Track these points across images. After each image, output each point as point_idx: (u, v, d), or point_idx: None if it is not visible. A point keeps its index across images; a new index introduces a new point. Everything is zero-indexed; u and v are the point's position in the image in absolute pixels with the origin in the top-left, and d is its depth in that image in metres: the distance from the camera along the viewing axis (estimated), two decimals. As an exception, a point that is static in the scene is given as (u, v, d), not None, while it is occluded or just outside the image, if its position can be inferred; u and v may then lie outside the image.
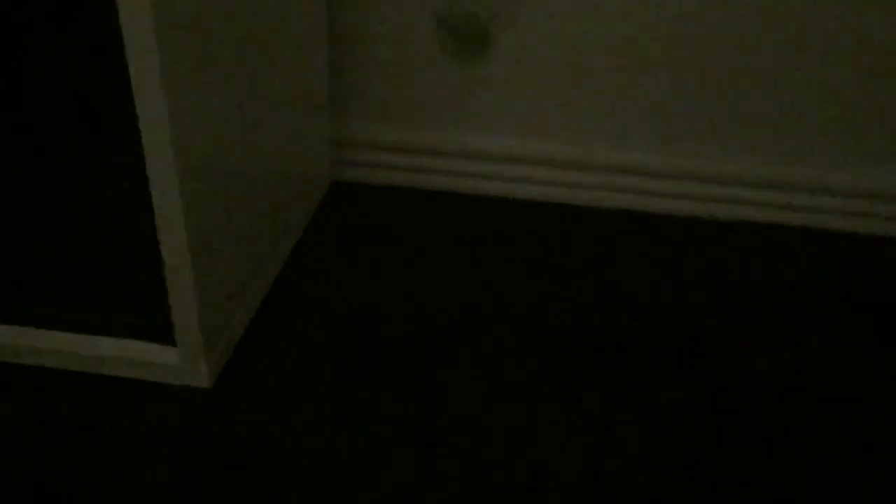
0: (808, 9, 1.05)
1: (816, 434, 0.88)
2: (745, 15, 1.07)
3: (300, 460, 0.84)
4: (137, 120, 0.74)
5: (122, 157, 0.78)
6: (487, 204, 1.21)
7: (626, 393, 0.92)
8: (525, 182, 1.21)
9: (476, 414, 0.89)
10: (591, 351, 0.97)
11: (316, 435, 0.87)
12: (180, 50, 0.75)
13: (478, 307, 1.03)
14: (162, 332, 0.89)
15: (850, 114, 1.11)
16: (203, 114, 0.81)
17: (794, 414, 0.90)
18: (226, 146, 0.87)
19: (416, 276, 1.08)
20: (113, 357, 0.91)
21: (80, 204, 0.84)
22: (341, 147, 1.24)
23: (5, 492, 0.79)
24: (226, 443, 0.86)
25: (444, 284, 1.07)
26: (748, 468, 0.84)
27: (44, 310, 0.90)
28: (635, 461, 0.84)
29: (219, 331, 0.92)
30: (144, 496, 0.80)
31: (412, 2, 1.12)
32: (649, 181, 1.19)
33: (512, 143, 1.20)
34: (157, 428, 0.87)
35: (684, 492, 0.82)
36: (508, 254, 1.12)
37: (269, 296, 1.04)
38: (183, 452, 0.85)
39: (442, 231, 1.16)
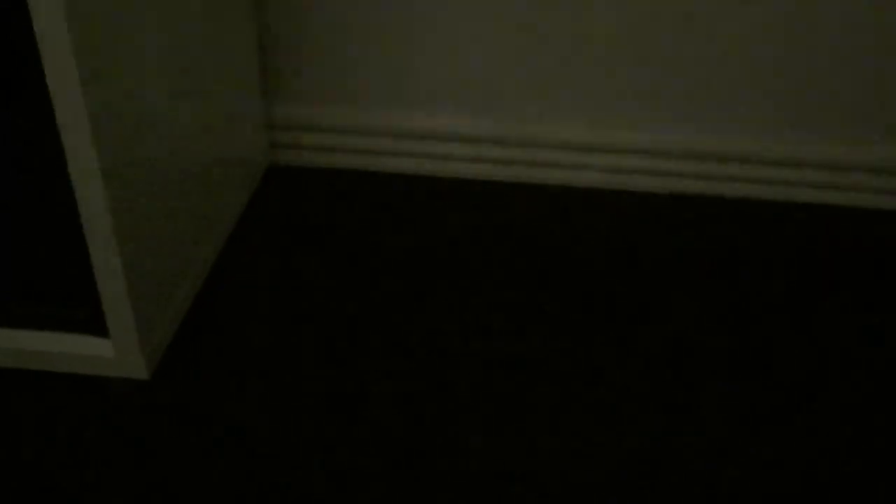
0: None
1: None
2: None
3: (241, 448, 0.84)
4: (53, 108, 0.72)
5: (41, 146, 0.76)
6: (429, 183, 1.20)
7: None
8: (467, 161, 1.21)
9: (414, 391, 0.90)
10: (543, 322, 0.98)
11: (256, 422, 0.86)
12: (94, 33, 0.73)
13: (422, 289, 1.03)
14: (95, 324, 0.87)
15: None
16: (123, 100, 0.80)
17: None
18: (149, 132, 0.86)
19: (355, 259, 1.07)
20: (46, 352, 0.89)
21: (2, 196, 0.82)
22: (276, 130, 1.22)
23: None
24: (167, 433, 0.85)
25: (386, 267, 1.06)
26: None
27: (-29, 306, 0.89)
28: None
29: (154, 321, 0.91)
30: (84, 492, 0.79)
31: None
32: (584, 156, 1.20)
33: (451, 121, 1.20)
34: (95, 422, 0.86)
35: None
36: (451, 233, 1.12)
37: (207, 283, 1.02)
38: (123, 445, 0.84)
39: (382, 213, 1.15)
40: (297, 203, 1.17)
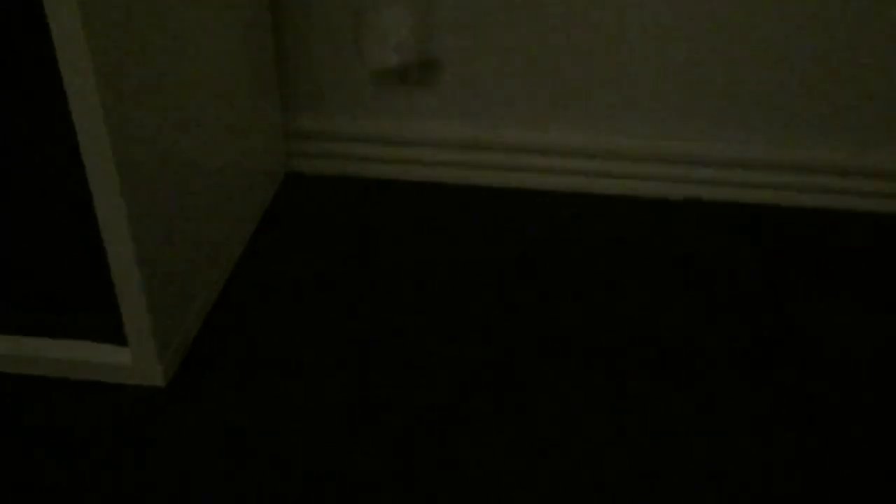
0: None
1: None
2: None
3: (256, 458, 0.84)
4: (72, 119, 0.73)
5: (60, 156, 0.77)
6: (442, 191, 1.20)
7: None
8: (480, 168, 1.21)
9: (446, 402, 0.90)
10: (548, 335, 0.98)
11: (271, 432, 0.87)
12: (114, 46, 0.74)
13: (440, 296, 1.03)
14: (113, 333, 0.88)
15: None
16: (142, 110, 0.80)
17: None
18: (168, 141, 0.87)
19: (373, 266, 1.08)
20: (64, 359, 0.90)
21: (24, 205, 0.83)
22: (294, 139, 1.23)
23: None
24: (181, 442, 0.85)
25: (403, 274, 1.07)
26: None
27: (-8, 314, 0.90)
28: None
29: (172, 329, 0.91)
30: (97, 498, 0.80)
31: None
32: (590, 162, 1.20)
33: (466, 130, 1.20)
34: (111, 429, 0.86)
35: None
36: (467, 240, 1.12)
37: (225, 292, 1.03)
38: (138, 453, 0.84)
39: (398, 221, 1.16)
40: (314, 211, 1.17)
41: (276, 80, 1.16)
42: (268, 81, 1.14)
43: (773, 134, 1.17)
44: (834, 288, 1.05)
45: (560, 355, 0.95)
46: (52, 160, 0.79)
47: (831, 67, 1.11)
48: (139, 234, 0.82)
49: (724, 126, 1.17)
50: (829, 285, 1.05)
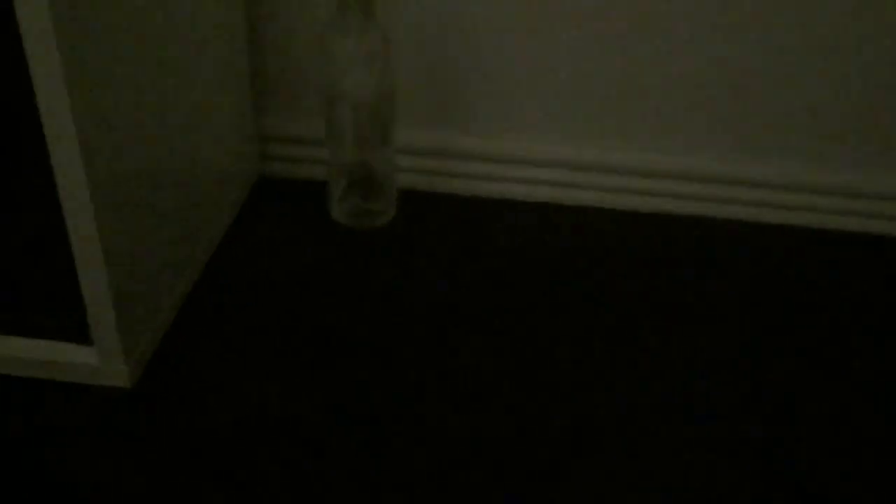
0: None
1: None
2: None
3: (223, 461, 0.84)
4: (39, 116, 0.73)
5: (26, 155, 0.76)
6: (417, 197, 1.21)
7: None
8: (447, 175, 1.22)
9: (426, 404, 0.90)
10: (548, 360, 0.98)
11: (239, 434, 0.86)
12: (82, 44, 0.73)
13: (411, 303, 1.03)
14: (78, 332, 0.88)
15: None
16: (111, 109, 0.80)
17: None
18: (137, 140, 0.86)
19: (349, 269, 1.08)
20: (29, 358, 0.89)
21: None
22: (269, 141, 1.23)
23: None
24: (147, 444, 0.85)
25: (381, 277, 1.06)
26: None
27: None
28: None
29: (139, 329, 0.91)
30: (60, 499, 0.79)
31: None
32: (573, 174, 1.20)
33: (442, 136, 1.20)
34: (74, 430, 0.86)
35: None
36: (437, 248, 1.12)
37: (195, 292, 1.03)
38: (101, 455, 0.83)
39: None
40: (287, 214, 1.17)
41: (249, 83, 1.16)
42: (241, 84, 1.14)
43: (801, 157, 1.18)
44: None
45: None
46: (17, 158, 0.78)
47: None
48: (106, 232, 0.81)
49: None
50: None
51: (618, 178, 1.20)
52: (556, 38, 1.12)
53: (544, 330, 0.99)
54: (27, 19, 0.68)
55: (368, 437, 0.86)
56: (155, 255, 0.93)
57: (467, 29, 1.12)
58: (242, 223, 1.15)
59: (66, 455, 0.83)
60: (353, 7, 0.94)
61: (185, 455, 0.84)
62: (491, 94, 1.17)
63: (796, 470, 0.84)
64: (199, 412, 0.88)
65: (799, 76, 1.11)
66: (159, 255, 0.94)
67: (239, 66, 1.13)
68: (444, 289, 1.05)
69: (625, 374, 0.94)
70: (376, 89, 0.96)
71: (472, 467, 0.83)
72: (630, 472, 0.84)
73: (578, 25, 1.11)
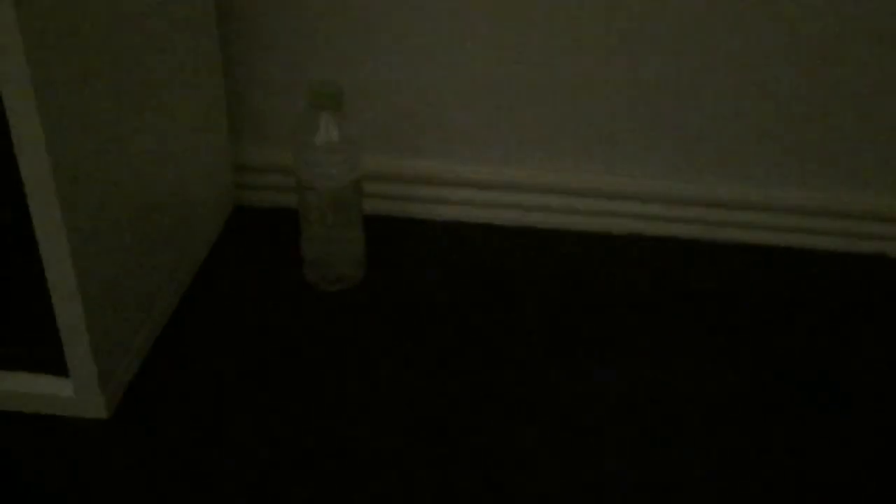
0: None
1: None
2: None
3: (201, 490, 0.83)
4: (12, 146, 0.73)
5: None
6: (404, 225, 1.21)
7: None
8: (434, 203, 1.23)
9: (403, 441, 0.90)
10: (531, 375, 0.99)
11: (217, 465, 0.86)
12: (57, 76, 0.74)
13: (389, 331, 1.04)
14: (55, 364, 0.87)
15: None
16: (86, 138, 0.80)
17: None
18: (112, 170, 0.87)
19: (322, 300, 1.08)
20: (2, 391, 0.89)
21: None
22: (244, 171, 1.23)
23: None
24: (123, 476, 0.85)
25: (360, 305, 1.07)
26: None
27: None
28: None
29: (116, 360, 0.91)
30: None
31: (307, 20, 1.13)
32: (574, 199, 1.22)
33: (419, 163, 1.21)
34: (51, 462, 0.85)
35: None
36: (418, 274, 1.13)
37: (172, 322, 1.03)
38: (77, 487, 0.83)
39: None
40: (262, 243, 1.17)
41: (225, 113, 1.17)
42: (217, 114, 1.15)
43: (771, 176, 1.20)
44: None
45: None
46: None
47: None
48: (81, 263, 0.81)
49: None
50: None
51: (576, 199, 1.22)
52: (508, 59, 1.14)
53: (495, 351, 1.00)
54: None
55: (335, 470, 0.86)
56: (131, 286, 0.93)
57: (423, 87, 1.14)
58: (218, 252, 1.15)
59: (45, 487, 0.83)
60: (324, 106, 0.99)
61: (163, 484, 0.83)
62: (441, 118, 1.19)
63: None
64: (176, 442, 0.88)
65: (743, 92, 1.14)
66: (135, 285, 0.94)
67: (216, 96, 1.13)
68: (417, 311, 1.05)
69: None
70: (344, 180, 1.02)
71: None
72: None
73: (526, 44, 1.12)
